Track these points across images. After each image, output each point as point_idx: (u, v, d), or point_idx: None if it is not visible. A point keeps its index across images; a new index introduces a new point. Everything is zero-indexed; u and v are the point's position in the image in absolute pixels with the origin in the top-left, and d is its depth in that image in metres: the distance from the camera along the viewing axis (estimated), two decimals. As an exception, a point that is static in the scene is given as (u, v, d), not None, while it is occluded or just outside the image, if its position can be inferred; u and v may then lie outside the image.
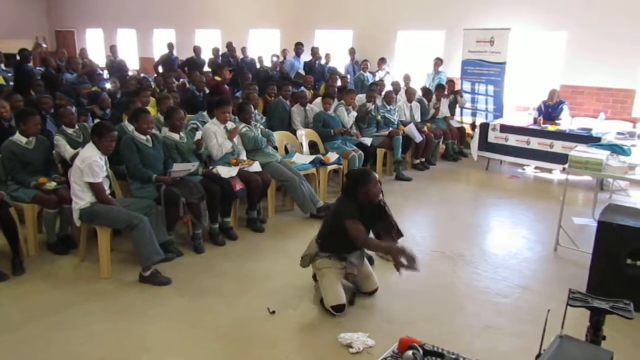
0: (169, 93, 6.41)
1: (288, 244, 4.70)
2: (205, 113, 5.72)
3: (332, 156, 6.01)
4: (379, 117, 7.17)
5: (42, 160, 4.41)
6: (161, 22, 14.67)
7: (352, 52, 10.31)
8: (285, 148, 6.22)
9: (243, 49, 11.07)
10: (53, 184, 4.25)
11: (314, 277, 3.77)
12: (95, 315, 3.45)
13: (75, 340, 3.14)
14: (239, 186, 4.73)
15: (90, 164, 3.82)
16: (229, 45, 10.73)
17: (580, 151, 4.72)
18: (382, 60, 9.80)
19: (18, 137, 4.29)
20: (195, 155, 4.77)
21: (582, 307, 2.15)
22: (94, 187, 3.89)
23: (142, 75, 10.94)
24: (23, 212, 4.19)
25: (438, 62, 9.34)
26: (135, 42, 15.56)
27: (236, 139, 5.17)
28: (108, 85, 8.02)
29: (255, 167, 5.06)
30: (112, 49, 11.44)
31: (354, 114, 6.90)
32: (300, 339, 3.28)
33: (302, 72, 9.67)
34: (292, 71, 9.92)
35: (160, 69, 10.53)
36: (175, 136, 4.70)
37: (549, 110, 7.60)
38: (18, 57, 8.96)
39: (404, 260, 3.11)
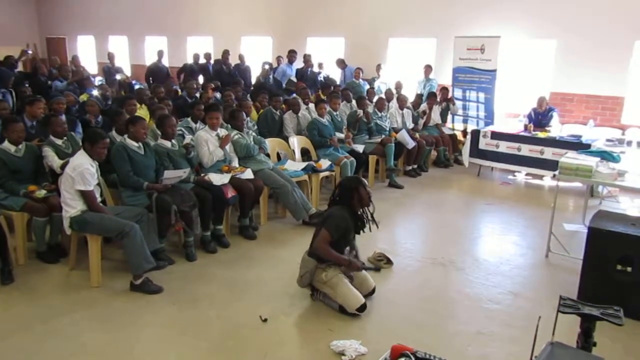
0: (160, 102, 6.40)
1: (280, 251, 4.69)
2: (189, 119, 5.73)
3: (325, 163, 6.02)
4: (371, 125, 7.20)
5: (31, 168, 4.38)
6: (153, 29, 14.65)
7: (340, 62, 10.35)
8: (278, 155, 6.22)
9: (240, 56, 11.05)
10: (43, 192, 4.21)
11: (312, 287, 3.78)
12: (85, 324, 3.41)
13: (64, 350, 3.10)
14: (230, 193, 4.72)
15: (82, 172, 3.79)
16: (224, 53, 10.66)
17: (570, 158, 4.75)
18: (378, 67, 9.87)
19: (7, 145, 4.26)
20: (186, 161, 4.76)
21: (573, 313, 2.16)
22: (86, 195, 3.86)
23: (133, 82, 10.90)
24: (12, 220, 4.15)
25: (428, 69, 9.41)
26: (127, 49, 15.53)
27: (228, 146, 5.17)
28: (95, 92, 7.97)
29: (248, 174, 5.05)
30: (110, 56, 11.38)
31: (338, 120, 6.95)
32: (293, 346, 3.27)
33: (294, 79, 9.69)
34: (284, 78, 9.93)
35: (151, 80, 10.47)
36: (167, 143, 4.69)
37: (539, 118, 7.67)
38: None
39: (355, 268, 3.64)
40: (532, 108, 7.80)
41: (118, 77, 10.74)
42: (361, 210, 3.72)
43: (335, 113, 7.00)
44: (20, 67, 10.04)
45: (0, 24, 16.94)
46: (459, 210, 6.22)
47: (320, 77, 10.00)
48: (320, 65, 10.30)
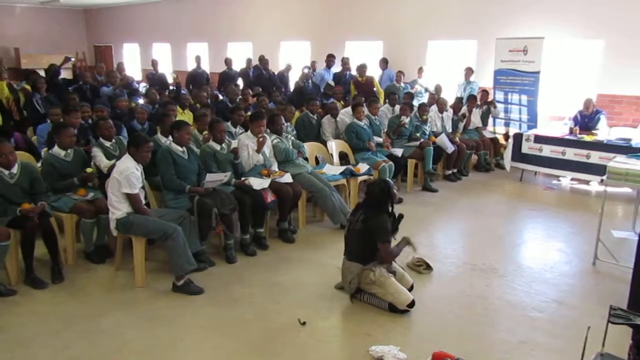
0: (203, 108, 6.55)
1: (318, 255, 4.70)
2: (229, 123, 5.84)
3: (363, 167, 6.00)
4: (418, 134, 7.16)
5: (79, 172, 4.53)
6: (194, 36, 15.02)
7: (383, 62, 10.28)
8: (316, 159, 6.25)
9: (287, 67, 11.16)
10: (90, 195, 4.39)
11: (352, 295, 3.80)
12: (129, 323, 3.51)
13: (109, 348, 3.21)
14: (270, 198, 4.78)
15: (128, 176, 3.92)
16: (261, 59, 10.81)
17: (619, 162, 4.58)
18: (420, 69, 9.78)
19: (57, 150, 4.46)
20: (232, 166, 4.85)
21: (625, 324, 2.08)
22: (131, 198, 3.99)
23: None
24: (62, 221, 4.33)
25: (469, 72, 9.25)
26: (169, 55, 15.97)
27: (268, 151, 5.23)
28: (141, 101, 8.18)
29: (287, 178, 5.09)
30: (153, 62, 11.75)
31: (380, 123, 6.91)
32: (331, 350, 3.27)
33: (332, 83, 9.70)
34: (322, 83, 9.96)
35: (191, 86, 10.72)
36: (217, 146, 4.82)
37: (586, 120, 7.41)
38: (45, 73, 9.22)
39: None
40: (578, 110, 7.54)
41: (170, 79, 11.03)
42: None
43: (374, 117, 6.97)
44: (64, 75, 10.42)
45: (52, 34, 17.87)
46: (500, 216, 6.07)
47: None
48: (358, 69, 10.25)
